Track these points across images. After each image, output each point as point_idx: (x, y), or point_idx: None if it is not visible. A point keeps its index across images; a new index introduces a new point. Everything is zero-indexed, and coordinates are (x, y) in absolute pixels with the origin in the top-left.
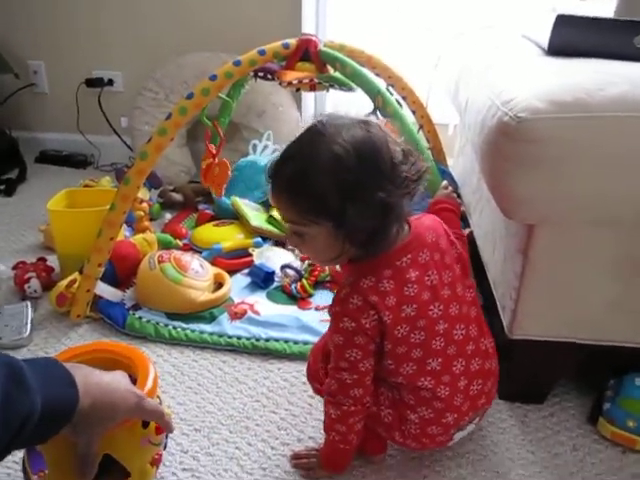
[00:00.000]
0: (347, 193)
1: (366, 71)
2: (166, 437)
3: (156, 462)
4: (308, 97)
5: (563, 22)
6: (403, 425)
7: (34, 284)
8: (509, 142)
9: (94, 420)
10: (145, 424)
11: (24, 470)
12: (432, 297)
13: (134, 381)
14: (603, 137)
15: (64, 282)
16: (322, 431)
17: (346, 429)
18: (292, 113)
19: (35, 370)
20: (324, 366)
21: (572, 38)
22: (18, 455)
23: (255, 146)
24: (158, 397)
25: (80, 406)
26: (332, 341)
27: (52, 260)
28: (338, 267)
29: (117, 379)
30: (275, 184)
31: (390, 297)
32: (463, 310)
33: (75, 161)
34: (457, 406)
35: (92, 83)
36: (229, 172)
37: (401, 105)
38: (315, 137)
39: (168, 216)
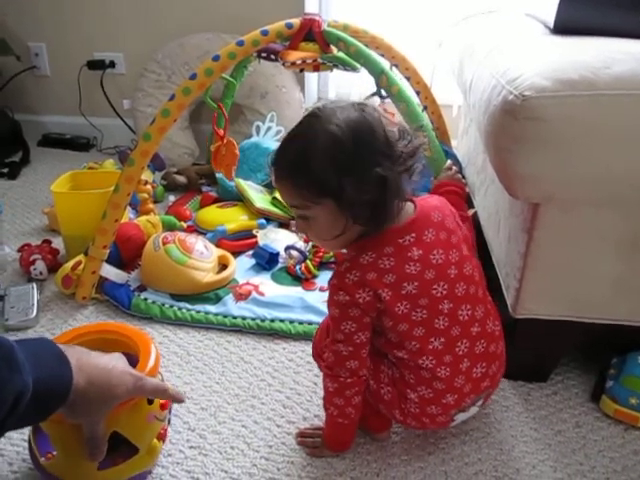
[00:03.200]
0: (344, 170)
1: (370, 51)
2: (169, 413)
3: (162, 437)
4: (311, 79)
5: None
6: (403, 403)
7: (39, 266)
8: (514, 121)
9: (92, 401)
10: (150, 401)
11: (31, 452)
12: (437, 276)
13: (136, 361)
14: (609, 115)
15: (69, 264)
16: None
17: (344, 402)
18: (295, 95)
19: (26, 349)
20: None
21: (578, 16)
22: (27, 433)
23: (258, 128)
24: (160, 374)
25: (75, 385)
26: (329, 314)
27: (57, 242)
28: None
29: (114, 361)
30: (276, 171)
31: (389, 274)
32: (470, 290)
33: (78, 144)
34: (458, 387)
35: (94, 65)
36: (236, 151)
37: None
38: (311, 120)
39: (172, 198)
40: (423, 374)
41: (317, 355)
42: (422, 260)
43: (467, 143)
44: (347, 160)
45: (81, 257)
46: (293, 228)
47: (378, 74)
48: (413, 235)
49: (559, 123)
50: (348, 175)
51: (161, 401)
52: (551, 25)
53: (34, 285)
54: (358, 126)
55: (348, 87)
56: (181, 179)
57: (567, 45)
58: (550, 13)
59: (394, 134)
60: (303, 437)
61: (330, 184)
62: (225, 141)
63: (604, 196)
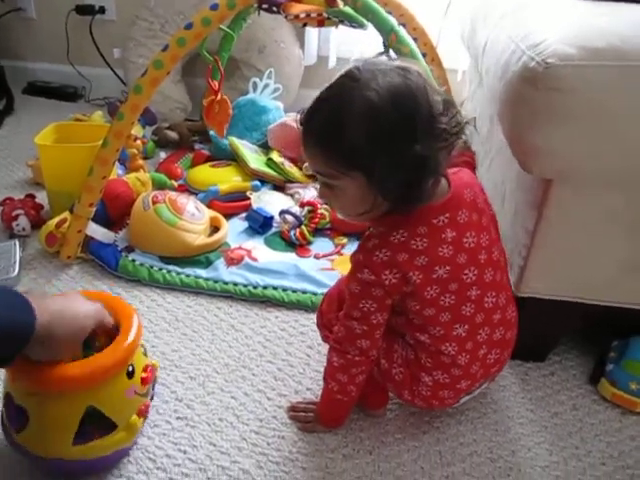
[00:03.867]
0: (380, 144)
1: (379, 7)
2: (153, 388)
3: (143, 413)
4: (311, 34)
5: None
6: (415, 385)
7: (22, 222)
8: (534, 89)
9: (61, 336)
10: (130, 374)
11: (4, 428)
12: (468, 260)
13: (117, 330)
14: (638, 87)
15: (54, 221)
16: (320, 383)
17: (347, 379)
18: (294, 50)
19: None
20: (338, 315)
21: None
22: None
23: (255, 84)
24: (143, 346)
25: (39, 323)
26: (348, 288)
27: (41, 197)
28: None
29: (72, 297)
30: (305, 134)
31: (421, 256)
32: (497, 277)
33: (65, 93)
34: (472, 373)
35: (83, 10)
36: (230, 110)
37: None
38: (348, 83)
39: (162, 155)
40: (443, 359)
41: (322, 325)
42: (455, 243)
43: (472, 110)
44: (384, 133)
45: (66, 214)
46: (288, 191)
47: (387, 32)
48: (447, 215)
49: (584, 94)
50: (383, 149)
51: (142, 375)
52: None
53: (16, 242)
54: (400, 95)
55: (350, 44)
56: (173, 135)
57: (594, 10)
58: None
59: (438, 106)
60: (295, 411)
61: (363, 157)
62: (219, 98)
63: (626, 175)
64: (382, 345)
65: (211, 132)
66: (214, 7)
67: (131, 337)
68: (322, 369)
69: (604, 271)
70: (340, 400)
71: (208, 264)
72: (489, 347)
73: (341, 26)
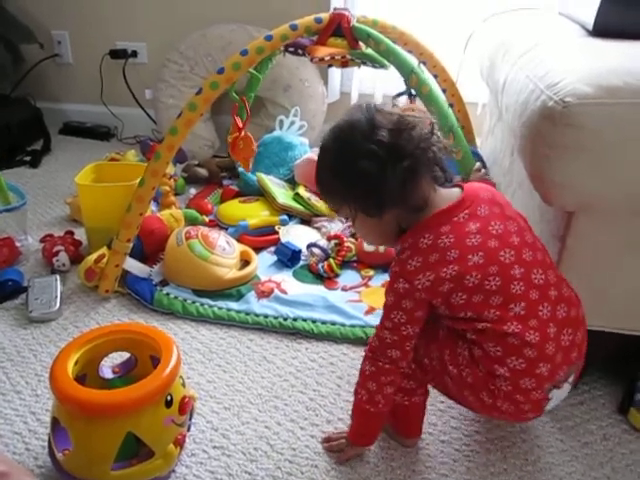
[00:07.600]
0: (333, 170)
1: (400, 49)
2: (190, 419)
3: (179, 443)
4: (334, 72)
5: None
6: (491, 382)
7: (62, 258)
8: (553, 128)
9: None
10: (168, 403)
11: (49, 448)
12: (501, 244)
13: (157, 361)
14: None
15: (92, 257)
16: (350, 412)
17: (376, 387)
18: (318, 88)
19: None
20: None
21: (620, 17)
22: (40, 432)
23: (282, 122)
24: (181, 377)
25: None
26: (385, 300)
27: (79, 233)
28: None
29: None
30: None
31: (452, 250)
32: (538, 256)
33: (98, 133)
34: (550, 355)
35: (116, 54)
36: (254, 146)
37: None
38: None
39: (192, 191)
40: (511, 341)
41: None
42: (481, 232)
43: (493, 143)
44: (333, 162)
45: (104, 250)
46: (314, 225)
47: (408, 73)
48: (466, 212)
49: (601, 131)
50: (336, 176)
51: (180, 405)
52: (589, 26)
53: (57, 277)
54: (341, 133)
55: (372, 81)
56: (202, 172)
57: (609, 49)
58: (588, 13)
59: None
60: (328, 442)
61: (328, 185)
62: (242, 135)
63: None
64: (446, 351)
65: (240, 168)
66: (244, 52)
67: (170, 367)
68: (352, 399)
69: (629, 299)
70: (368, 411)
71: (239, 297)
72: (558, 325)
73: (365, 66)
